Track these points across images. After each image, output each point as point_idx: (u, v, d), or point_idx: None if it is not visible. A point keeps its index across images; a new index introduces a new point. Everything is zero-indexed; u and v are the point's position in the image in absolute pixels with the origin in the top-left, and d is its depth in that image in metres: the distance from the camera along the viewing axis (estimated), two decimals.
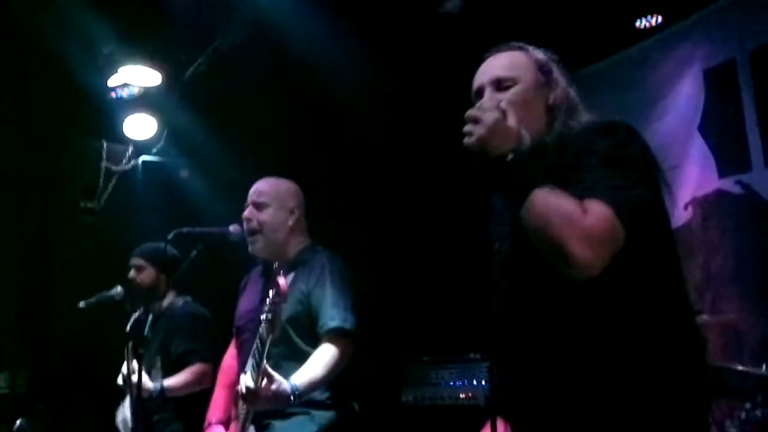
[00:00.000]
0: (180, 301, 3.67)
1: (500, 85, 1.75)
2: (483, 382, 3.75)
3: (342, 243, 2.98)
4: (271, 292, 2.38)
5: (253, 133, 4.94)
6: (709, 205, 3.65)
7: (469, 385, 3.80)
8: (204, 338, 3.48)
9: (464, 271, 4.38)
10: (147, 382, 3.27)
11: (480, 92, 1.78)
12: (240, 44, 4.51)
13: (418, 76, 4.50)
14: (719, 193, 3.66)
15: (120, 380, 3.25)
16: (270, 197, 2.83)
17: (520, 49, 1.81)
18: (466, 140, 1.59)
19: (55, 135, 5.09)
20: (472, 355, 3.88)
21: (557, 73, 1.79)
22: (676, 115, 3.94)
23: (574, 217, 1.49)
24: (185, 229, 3.14)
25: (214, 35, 4.57)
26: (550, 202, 1.52)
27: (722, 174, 3.69)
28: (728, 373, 2.80)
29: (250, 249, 2.84)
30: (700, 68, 3.94)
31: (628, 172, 1.56)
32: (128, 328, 3.01)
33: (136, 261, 3.67)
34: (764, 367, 2.83)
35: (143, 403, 3.15)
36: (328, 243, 2.93)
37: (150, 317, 3.64)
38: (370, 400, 2.99)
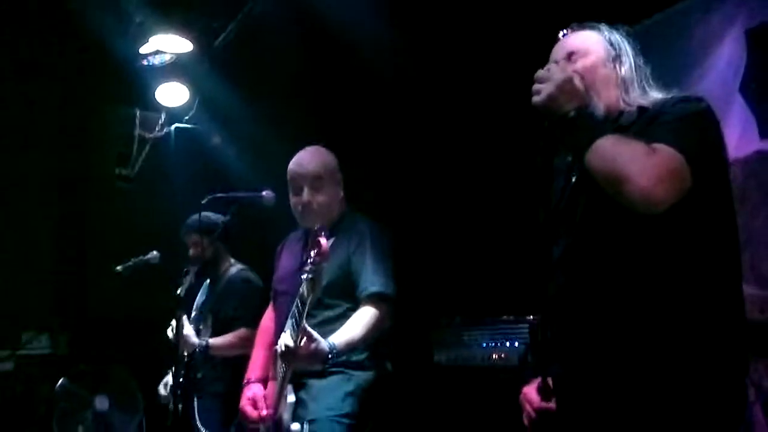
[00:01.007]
0: (236, 269, 3.78)
1: (572, 57, 1.86)
2: (516, 343, 3.74)
3: (371, 205, 2.98)
4: (312, 252, 2.38)
5: (283, 98, 4.94)
6: (750, 165, 3.56)
7: (501, 346, 3.79)
8: (252, 305, 3.55)
9: (498, 232, 4.38)
10: (193, 337, 3.42)
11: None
12: (270, 11, 4.49)
13: (449, 40, 4.44)
14: (760, 154, 3.57)
15: (170, 333, 3.38)
16: (325, 176, 2.79)
17: (592, 28, 1.93)
18: (534, 98, 1.70)
19: (90, 104, 5.16)
20: (505, 317, 3.86)
21: (627, 48, 1.88)
22: (717, 75, 3.83)
23: (642, 155, 1.56)
24: (219, 194, 3.20)
25: (244, 2, 4.56)
26: (617, 143, 1.60)
27: (764, 135, 3.60)
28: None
29: (302, 223, 2.83)
30: (742, 27, 3.82)
31: (698, 130, 1.65)
32: (180, 292, 3.22)
33: (191, 238, 3.72)
34: None
35: (188, 359, 3.38)
36: (357, 205, 2.93)
37: (207, 281, 3.79)
38: (403, 360, 3.01)
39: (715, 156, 1.68)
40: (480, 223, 4.54)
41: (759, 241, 3.43)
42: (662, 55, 3.90)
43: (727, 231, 1.70)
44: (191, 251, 3.74)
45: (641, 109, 1.77)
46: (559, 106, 1.67)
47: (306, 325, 2.41)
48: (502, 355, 3.76)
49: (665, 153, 1.56)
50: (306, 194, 2.75)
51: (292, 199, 2.82)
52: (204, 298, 3.77)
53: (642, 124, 1.71)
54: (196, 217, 3.65)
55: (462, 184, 4.66)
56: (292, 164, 2.84)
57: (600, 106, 1.77)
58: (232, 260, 3.83)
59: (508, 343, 3.77)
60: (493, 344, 3.84)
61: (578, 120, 1.66)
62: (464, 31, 4.32)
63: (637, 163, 1.55)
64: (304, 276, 2.40)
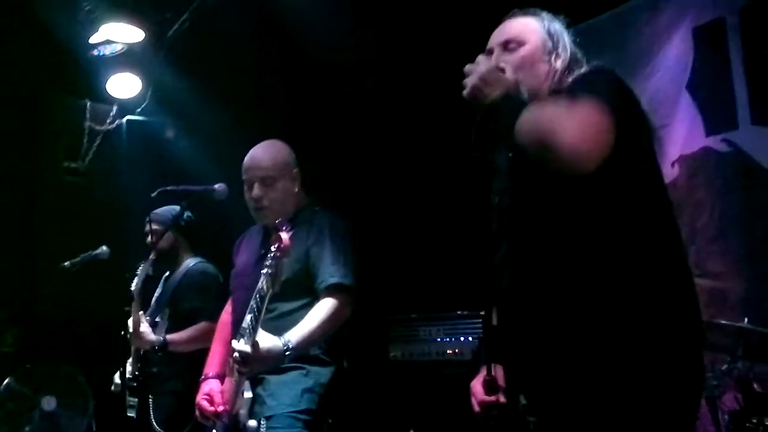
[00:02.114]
0: (194, 261, 3.72)
1: (507, 46, 1.86)
2: (470, 338, 3.79)
3: (328, 199, 2.96)
4: (273, 247, 2.36)
5: (239, 90, 4.88)
6: (696, 162, 3.66)
7: (456, 341, 3.85)
8: (212, 297, 3.49)
9: (452, 228, 4.42)
10: (150, 333, 3.34)
11: (490, 53, 1.89)
12: (224, 0, 4.43)
13: (405, 32, 4.45)
14: (706, 151, 3.67)
15: (129, 328, 3.27)
16: (277, 170, 2.76)
17: (534, 15, 1.92)
18: (463, 92, 1.73)
19: (38, 95, 5.02)
20: (459, 312, 3.91)
21: (566, 41, 1.88)
22: (665, 73, 3.92)
23: (562, 111, 1.58)
24: (170, 188, 3.14)
25: None
26: (537, 109, 1.63)
27: (709, 132, 3.70)
28: (711, 328, 2.83)
29: (257, 220, 2.82)
30: (689, 26, 3.91)
31: (609, 88, 1.66)
32: (135, 285, 3.18)
33: (153, 227, 3.66)
34: (746, 320, 2.87)
35: (143, 355, 3.32)
36: (315, 199, 2.91)
37: (166, 273, 3.73)
38: (359, 356, 3.01)
39: (631, 116, 1.67)
40: (434, 219, 4.57)
41: (704, 237, 3.52)
42: (611, 53, 3.99)
43: (660, 203, 1.71)
44: (147, 239, 3.68)
45: (555, 92, 1.78)
46: (484, 95, 1.70)
47: (255, 337, 2.38)
48: (457, 350, 3.82)
49: (584, 103, 1.57)
50: (257, 190, 2.74)
51: (246, 195, 2.80)
52: (161, 291, 3.71)
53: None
54: (167, 208, 3.61)
55: (416, 180, 4.69)
56: (246, 159, 2.81)
57: (526, 95, 1.77)
58: (191, 253, 3.77)
59: (462, 338, 3.83)
60: (448, 339, 3.89)
61: (504, 104, 1.68)
62: (419, 24, 4.33)
63: (560, 121, 1.55)
64: (264, 271, 2.38)
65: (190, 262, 3.70)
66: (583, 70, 1.82)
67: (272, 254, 2.35)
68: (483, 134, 1.73)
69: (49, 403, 4.22)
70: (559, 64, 1.84)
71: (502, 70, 1.76)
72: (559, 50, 1.86)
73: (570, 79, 1.80)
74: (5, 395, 4.16)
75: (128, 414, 3.30)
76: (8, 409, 4.17)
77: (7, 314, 4.63)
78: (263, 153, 2.81)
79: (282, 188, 2.76)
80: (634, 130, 1.65)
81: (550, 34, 1.87)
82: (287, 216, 2.71)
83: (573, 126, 1.54)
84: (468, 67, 1.75)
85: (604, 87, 1.65)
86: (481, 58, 1.81)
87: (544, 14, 1.92)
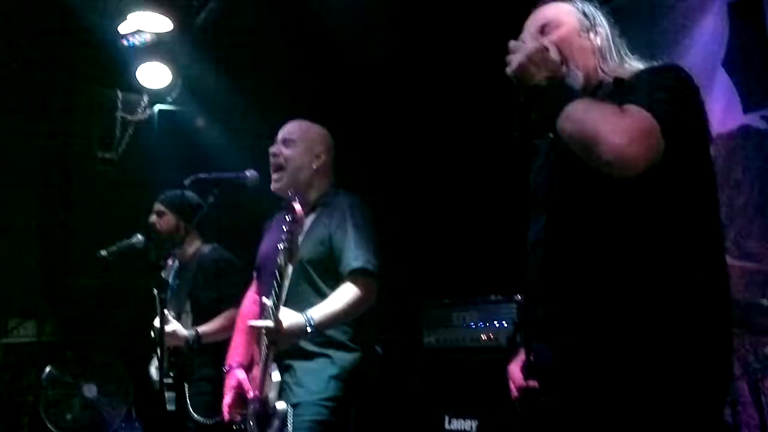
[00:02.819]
0: (207, 249, 3.67)
1: (544, 30, 1.86)
2: (505, 324, 3.74)
3: (359, 185, 2.97)
4: (287, 218, 2.36)
5: (268, 79, 4.88)
6: (734, 141, 3.59)
7: (490, 327, 3.80)
8: (235, 284, 3.47)
9: (486, 212, 4.39)
10: (182, 330, 3.33)
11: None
12: None
13: (431, 18, 4.40)
14: (744, 129, 3.59)
15: (152, 333, 3.27)
16: (298, 137, 2.86)
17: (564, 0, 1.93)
18: (507, 69, 1.70)
19: (69, 85, 5.08)
20: (493, 297, 3.87)
21: (601, 18, 1.88)
22: (700, 50, 3.83)
23: (612, 115, 1.56)
24: (202, 175, 3.14)
25: None
26: (587, 106, 1.60)
27: (747, 109, 3.61)
28: (752, 308, 2.77)
29: (273, 187, 2.83)
30: (724, 1, 3.82)
31: (671, 93, 1.61)
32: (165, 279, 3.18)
33: (157, 207, 3.69)
34: None
35: (174, 349, 3.28)
36: (345, 184, 2.92)
37: (176, 264, 3.68)
38: (392, 342, 3.02)
39: (691, 120, 1.65)
40: (468, 203, 4.54)
41: (743, 216, 3.45)
42: (645, 30, 3.91)
43: (707, 200, 1.69)
44: (150, 218, 3.66)
45: (618, 81, 1.76)
46: (530, 75, 1.67)
47: (278, 313, 2.40)
48: (491, 336, 3.78)
49: (635, 112, 1.55)
50: (275, 147, 2.86)
51: None
52: (178, 282, 3.64)
53: (620, 95, 1.68)
54: (177, 192, 3.57)
55: (451, 163, 4.66)
56: None
57: (579, 74, 1.78)
58: (201, 240, 3.71)
59: (497, 324, 3.78)
60: (482, 325, 3.84)
61: (549, 88, 1.65)
62: (446, 9, 4.29)
63: (608, 124, 1.53)
64: (281, 245, 2.38)
65: (203, 249, 3.66)
66: (644, 66, 1.78)
67: (287, 227, 2.35)
68: (525, 115, 1.69)
69: (89, 390, 4.29)
70: (599, 40, 1.84)
71: (548, 50, 1.73)
72: (597, 27, 1.85)
73: (628, 69, 1.79)
74: (47, 383, 4.24)
75: (168, 408, 3.31)
76: (50, 396, 4.25)
77: (45, 304, 4.72)
78: (295, 123, 2.93)
79: (300, 154, 2.82)
80: (691, 135, 1.63)
81: (584, 14, 1.87)
82: (301, 185, 2.77)
83: (620, 135, 1.52)
84: (513, 44, 1.72)
85: (662, 93, 1.61)
86: (526, 36, 1.80)
87: None
